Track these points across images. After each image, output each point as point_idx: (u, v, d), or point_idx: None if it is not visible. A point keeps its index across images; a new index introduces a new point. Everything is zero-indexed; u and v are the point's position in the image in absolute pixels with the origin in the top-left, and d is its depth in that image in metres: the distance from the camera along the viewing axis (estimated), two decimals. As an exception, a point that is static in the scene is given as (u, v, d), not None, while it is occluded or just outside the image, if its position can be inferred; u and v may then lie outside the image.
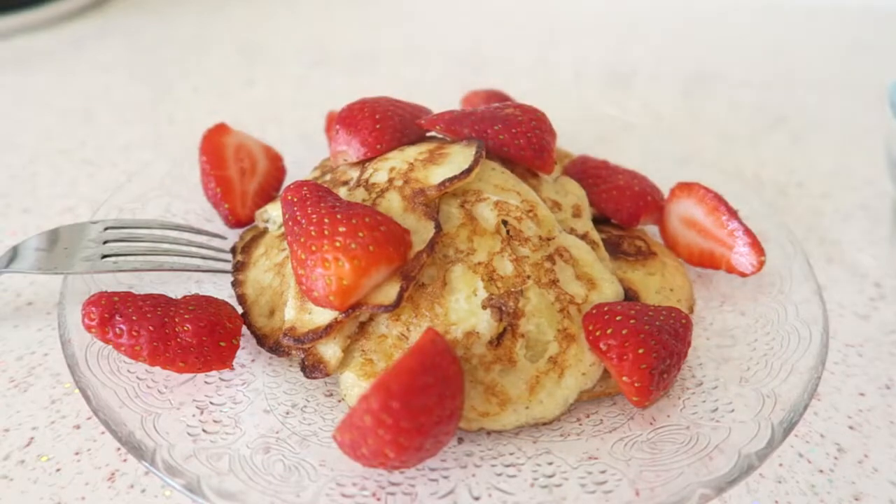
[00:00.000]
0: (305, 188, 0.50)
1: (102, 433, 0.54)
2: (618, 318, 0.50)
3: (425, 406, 0.41)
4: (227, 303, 0.54)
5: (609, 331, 0.49)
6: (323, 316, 0.49)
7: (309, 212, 0.48)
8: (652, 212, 0.65)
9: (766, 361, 0.53)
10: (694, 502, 0.43)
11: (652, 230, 0.68)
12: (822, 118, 1.02)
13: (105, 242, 0.60)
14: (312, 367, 0.51)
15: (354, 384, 0.50)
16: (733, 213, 0.60)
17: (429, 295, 0.51)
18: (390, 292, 0.48)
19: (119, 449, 0.53)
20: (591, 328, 0.51)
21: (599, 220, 0.64)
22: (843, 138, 0.98)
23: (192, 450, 0.45)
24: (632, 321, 0.49)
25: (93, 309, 0.48)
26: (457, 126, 0.58)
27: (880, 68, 1.18)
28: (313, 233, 0.46)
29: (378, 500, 0.44)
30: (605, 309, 0.51)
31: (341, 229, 0.46)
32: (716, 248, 0.61)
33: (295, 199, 0.49)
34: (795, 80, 1.15)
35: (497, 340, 0.51)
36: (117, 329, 0.48)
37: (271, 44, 1.23)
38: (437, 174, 0.54)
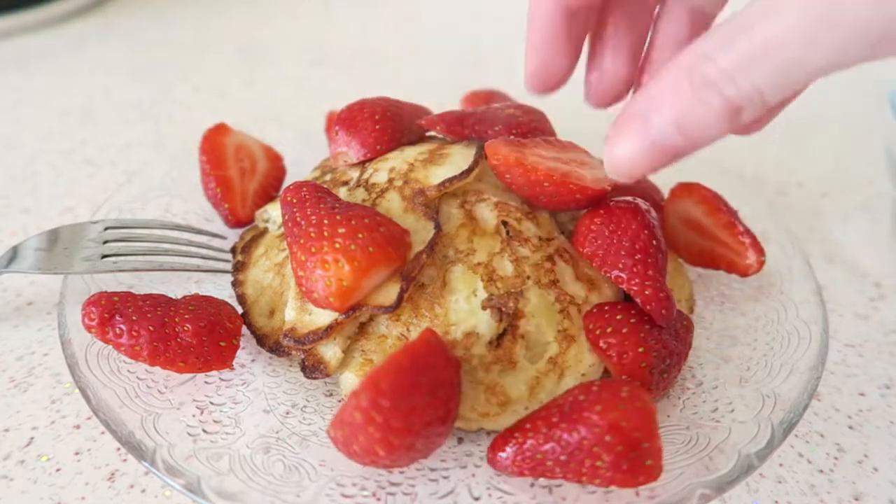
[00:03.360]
0: (304, 189, 0.50)
1: (102, 433, 0.54)
2: (618, 316, 0.50)
3: (415, 406, 0.40)
4: (227, 303, 0.54)
5: (609, 329, 0.49)
6: (323, 317, 0.49)
7: (308, 213, 0.47)
8: (652, 212, 0.65)
9: (766, 361, 0.53)
10: (694, 502, 0.43)
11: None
12: (822, 118, 1.02)
13: (105, 242, 0.60)
14: (313, 368, 0.51)
15: (354, 384, 0.50)
16: (733, 213, 0.60)
17: (428, 295, 0.51)
18: (390, 293, 0.48)
19: (119, 449, 0.53)
20: (591, 327, 0.51)
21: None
22: (843, 138, 0.98)
23: (192, 450, 0.46)
24: (632, 320, 0.49)
25: (93, 309, 0.48)
26: (457, 126, 0.58)
27: (881, 68, 1.18)
28: (313, 234, 0.46)
29: (378, 500, 0.44)
30: (606, 308, 0.51)
31: (341, 230, 0.46)
32: (716, 248, 0.61)
33: (294, 201, 0.49)
34: (795, 79, 1.15)
35: (497, 341, 0.51)
36: (117, 329, 0.48)
37: (271, 44, 1.23)
38: (437, 174, 0.54)
